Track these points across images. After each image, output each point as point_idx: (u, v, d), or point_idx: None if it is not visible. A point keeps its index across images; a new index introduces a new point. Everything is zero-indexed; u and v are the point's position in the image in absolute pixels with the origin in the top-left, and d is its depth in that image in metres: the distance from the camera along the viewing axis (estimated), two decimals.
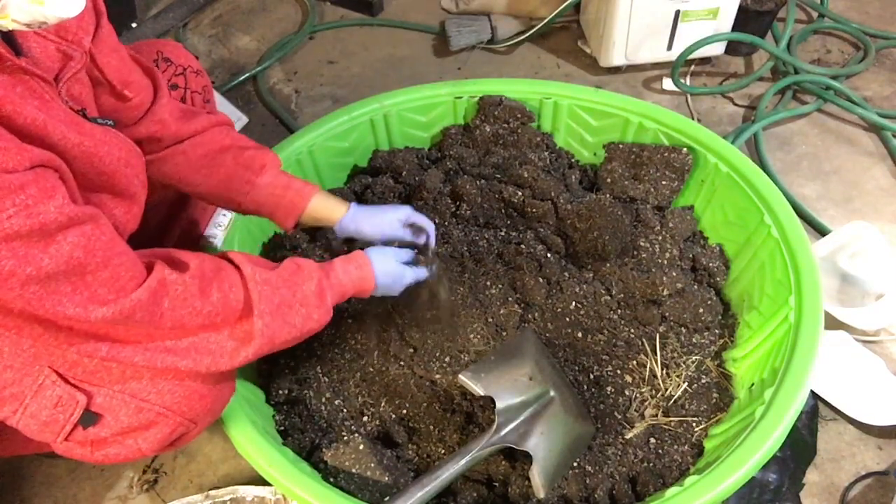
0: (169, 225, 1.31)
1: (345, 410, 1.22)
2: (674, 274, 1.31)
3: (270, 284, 0.92)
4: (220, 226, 1.30)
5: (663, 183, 1.46)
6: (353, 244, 1.37)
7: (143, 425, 0.93)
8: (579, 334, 1.30)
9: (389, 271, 1.09)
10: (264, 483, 1.10)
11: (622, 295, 1.33)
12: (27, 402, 0.90)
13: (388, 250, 1.12)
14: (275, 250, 1.43)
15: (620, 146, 1.50)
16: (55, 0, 0.67)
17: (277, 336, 0.92)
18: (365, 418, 1.21)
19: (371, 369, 1.24)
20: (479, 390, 1.11)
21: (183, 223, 1.31)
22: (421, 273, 1.15)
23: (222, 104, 1.89)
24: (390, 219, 1.17)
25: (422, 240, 1.19)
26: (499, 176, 1.49)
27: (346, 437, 1.18)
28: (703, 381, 1.26)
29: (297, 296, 0.95)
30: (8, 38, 0.76)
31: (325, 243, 1.42)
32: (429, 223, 1.19)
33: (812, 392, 1.30)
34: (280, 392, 1.23)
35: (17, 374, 0.90)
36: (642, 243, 1.38)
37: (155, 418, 0.93)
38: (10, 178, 0.68)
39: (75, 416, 0.91)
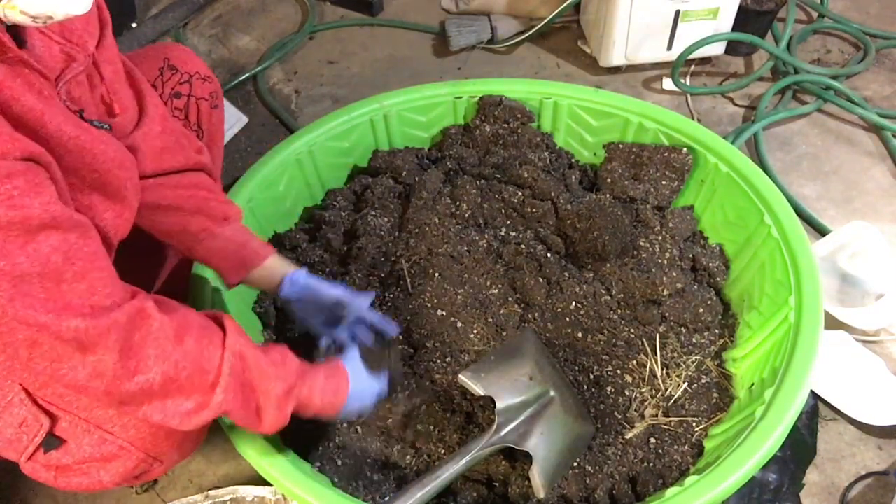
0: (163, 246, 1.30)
1: None
2: (674, 274, 1.31)
3: (245, 363, 0.86)
4: None
5: (663, 183, 1.46)
6: (354, 241, 1.37)
7: (105, 457, 0.91)
8: (579, 334, 1.30)
9: (362, 391, 1.03)
10: (264, 483, 1.10)
11: (622, 295, 1.33)
12: None
13: (374, 386, 1.06)
14: None
15: (620, 146, 1.50)
16: None
17: (232, 413, 0.86)
18: (365, 418, 1.21)
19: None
20: (479, 390, 1.11)
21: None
22: (384, 386, 1.09)
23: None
24: (336, 293, 1.13)
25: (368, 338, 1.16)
26: (499, 176, 1.49)
27: (346, 437, 1.18)
28: (703, 381, 1.26)
29: (263, 386, 0.88)
30: (13, 32, 0.76)
31: (325, 243, 1.42)
32: (371, 314, 1.14)
33: (812, 392, 1.30)
34: None
35: None
36: (642, 243, 1.38)
37: (117, 451, 0.91)
38: None
39: (38, 439, 0.89)
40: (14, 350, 0.72)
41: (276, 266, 1.11)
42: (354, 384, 1.00)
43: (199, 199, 1.07)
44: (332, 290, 1.13)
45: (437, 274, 1.31)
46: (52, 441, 0.90)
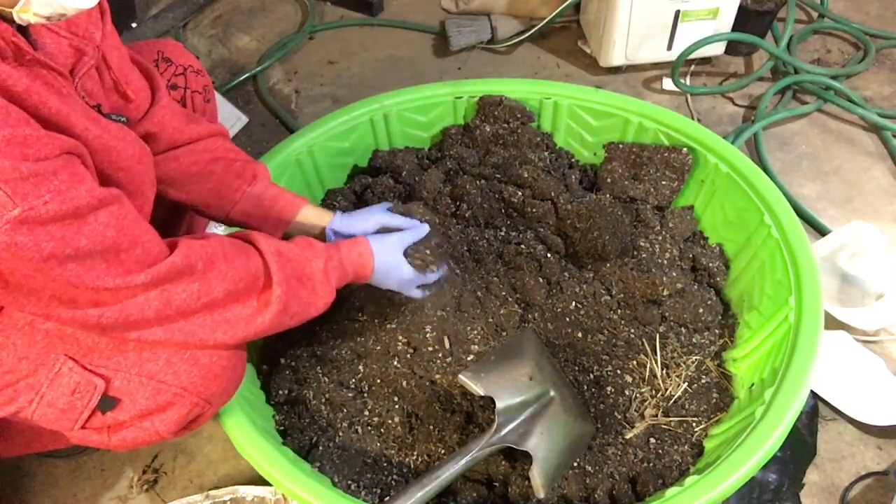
0: (169, 226, 1.31)
1: (345, 410, 1.22)
2: (674, 274, 1.31)
3: (283, 256, 0.96)
4: (221, 226, 1.30)
5: (663, 183, 1.46)
6: None
7: (161, 407, 0.94)
8: (579, 334, 1.30)
9: (387, 260, 1.10)
10: (264, 483, 1.10)
11: (622, 295, 1.33)
12: (43, 391, 0.91)
13: (389, 238, 1.12)
14: None
15: (620, 146, 1.50)
16: None
17: (290, 306, 0.95)
18: (365, 418, 1.21)
19: (371, 369, 1.24)
20: (479, 390, 1.11)
21: (183, 224, 1.31)
22: (429, 276, 1.16)
23: (222, 104, 1.89)
24: (373, 221, 1.18)
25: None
26: (499, 176, 1.49)
27: (346, 437, 1.18)
28: (703, 381, 1.26)
29: (307, 270, 0.98)
30: (22, 33, 0.77)
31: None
32: (404, 221, 1.18)
33: (812, 392, 1.30)
34: (280, 392, 1.23)
35: (32, 364, 0.91)
36: (642, 243, 1.38)
37: (172, 399, 0.93)
38: (43, 165, 0.71)
39: (93, 402, 0.91)
40: (72, 305, 0.79)
41: (311, 216, 1.19)
42: (378, 251, 1.08)
43: (227, 162, 1.14)
44: (366, 225, 1.18)
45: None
46: (107, 402, 0.92)
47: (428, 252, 1.16)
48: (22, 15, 0.69)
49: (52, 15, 0.71)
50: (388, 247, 1.11)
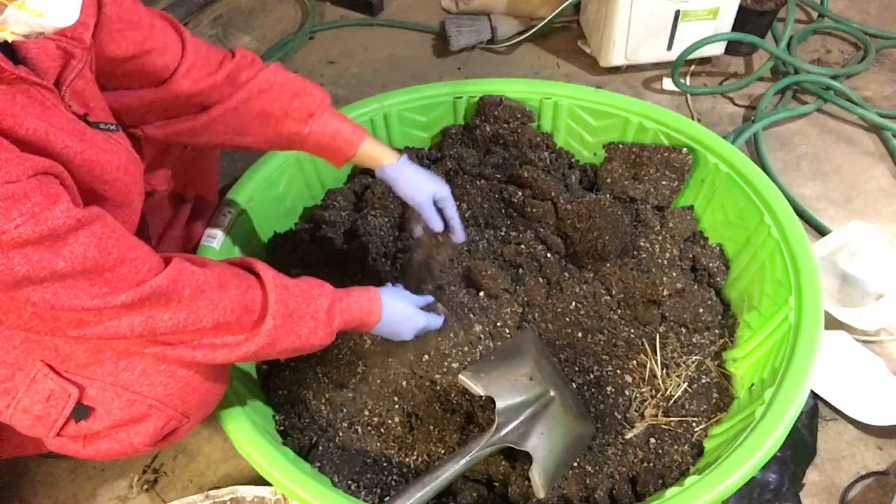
0: (169, 227, 1.31)
1: (345, 410, 1.22)
2: (674, 274, 1.31)
3: (288, 290, 0.94)
4: (220, 226, 1.30)
5: (663, 183, 1.46)
6: (355, 241, 1.37)
7: (135, 418, 0.93)
8: (579, 334, 1.30)
9: (399, 312, 1.09)
10: (264, 483, 1.10)
11: (622, 295, 1.33)
12: (19, 396, 0.90)
13: (403, 293, 1.13)
14: (275, 250, 1.43)
15: (620, 146, 1.50)
16: (53, 13, 0.68)
17: (280, 341, 0.92)
18: (365, 418, 1.21)
19: (371, 369, 1.24)
20: (479, 390, 1.11)
21: (183, 224, 1.31)
22: (435, 321, 1.17)
23: None
24: (425, 189, 1.20)
25: (438, 226, 1.23)
26: (499, 176, 1.49)
27: (346, 437, 1.18)
28: (703, 381, 1.26)
29: (310, 308, 0.95)
30: (6, 43, 0.76)
31: (325, 243, 1.42)
32: (454, 213, 1.22)
33: (812, 392, 1.30)
34: (280, 392, 1.23)
35: (10, 369, 0.90)
36: (642, 243, 1.38)
37: (147, 411, 0.92)
38: (13, 188, 0.68)
39: (67, 410, 0.90)
40: (53, 323, 0.77)
41: (372, 152, 1.19)
42: (390, 304, 1.07)
43: (283, 102, 1.12)
44: (406, 191, 1.20)
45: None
46: (81, 410, 0.91)
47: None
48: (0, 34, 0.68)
49: (30, 34, 0.69)
50: (399, 299, 1.10)
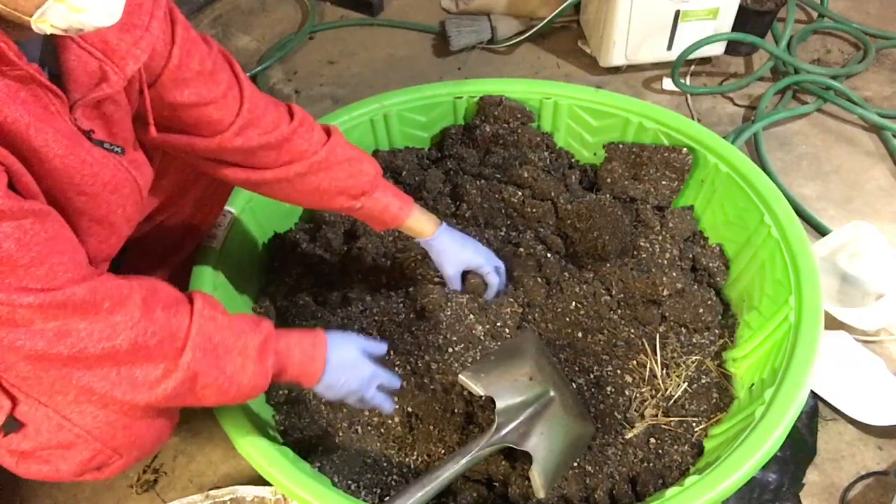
0: (183, 240, 1.30)
1: (345, 410, 1.22)
2: (674, 274, 1.31)
3: (216, 322, 0.87)
4: (221, 226, 1.30)
5: (663, 183, 1.46)
6: (355, 241, 1.37)
7: (63, 444, 0.90)
8: (579, 334, 1.30)
9: (346, 363, 1.00)
10: (264, 483, 1.10)
11: (622, 295, 1.33)
12: None
13: (354, 339, 1.05)
14: (274, 250, 1.43)
15: (620, 146, 1.50)
16: (93, 11, 0.68)
17: (203, 376, 0.85)
18: (365, 418, 1.21)
19: None
20: (479, 390, 1.11)
21: (197, 240, 1.30)
22: (394, 381, 1.10)
23: None
24: (455, 261, 1.25)
25: (484, 291, 1.29)
26: (499, 176, 1.49)
27: (346, 437, 1.18)
28: (703, 381, 1.26)
29: (239, 343, 0.88)
30: (52, 49, 0.77)
31: (325, 243, 1.42)
32: (493, 281, 1.27)
33: (812, 392, 1.30)
34: (280, 392, 1.23)
35: None
36: (642, 243, 1.38)
37: (74, 440, 0.89)
38: None
39: None
40: None
41: (414, 226, 1.21)
42: (336, 352, 0.99)
43: (339, 182, 1.13)
44: (445, 267, 1.26)
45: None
46: (11, 423, 0.89)
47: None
48: (39, 25, 0.68)
49: (69, 28, 0.69)
50: (349, 347, 1.03)
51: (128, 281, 0.83)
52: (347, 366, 1.01)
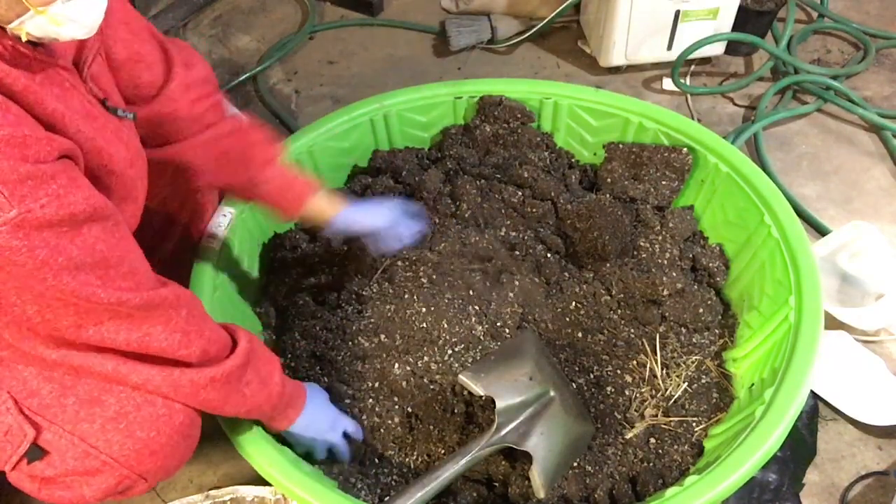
0: (169, 227, 1.30)
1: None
2: (674, 274, 1.31)
3: (253, 340, 0.98)
4: (221, 226, 1.30)
5: (663, 183, 1.46)
6: (354, 242, 1.37)
7: (89, 471, 0.91)
8: (579, 334, 1.30)
9: (319, 414, 1.10)
10: (264, 483, 1.10)
11: (622, 295, 1.33)
12: None
13: (327, 400, 1.13)
14: (274, 250, 1.43)
15: (620, 146, 1.50)
16: (71, 24, 0.70)
17: (248, 372, 0.96)
18: (365, 418, 1.21)
19: (371, 369, 1.24)
20: (479, 390, 1.11)
21: (183, 225, 1.31)
22: (358, 433, 1.15)
23: None
24: (380, 218, 1.23)
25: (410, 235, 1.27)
26: (499, 176, 1.49)
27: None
28: (703, 381, 1.26)
29: (268, 363, 1.00)
30: None
31: (325, 243, 1.42)
32: (406, 234, 1.26)
33: (812, 392, 1.30)
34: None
35: None
36: (642, 243, 1.38)
37: (101, 466, 0.90)
38: (42, 168, 0.70)
39: (22, 449, 0.89)
40: (55, 322, 0.78)
41: (318, 207, 1.19)
42: (312, 402, 1.09)
43: (240, 149, 1.14)
44: (365, 222, 1.23)
45: (437, 274, 1.31)
46: (35, 451, 0.89)
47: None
48: (15, 31, 0.69)
49: (44, 38, 0.71)
50: (323, 401, 1.12)
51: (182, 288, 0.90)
52: (320, 420, 1.10)
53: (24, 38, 0.69)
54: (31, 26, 0.68)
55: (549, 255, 1.38)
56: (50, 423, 0.89)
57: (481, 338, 1.24)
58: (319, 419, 1.09)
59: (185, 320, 0.86)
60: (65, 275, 0.73)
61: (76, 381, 0.89)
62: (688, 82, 1.99)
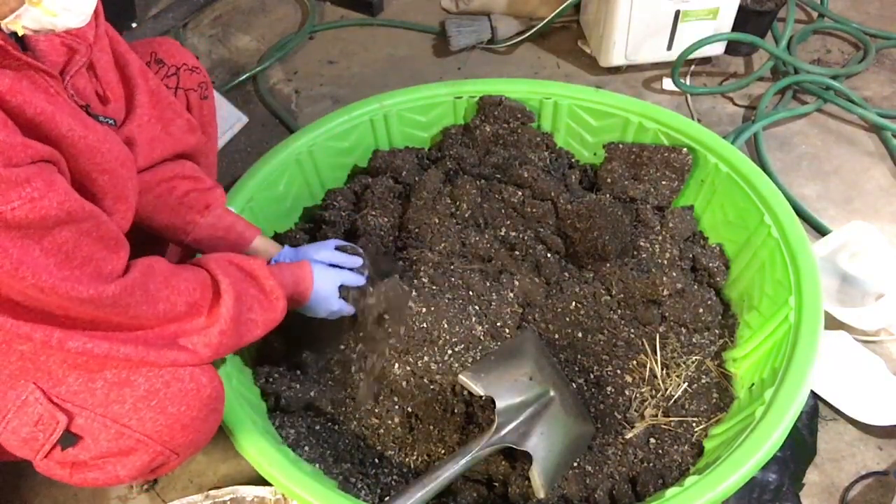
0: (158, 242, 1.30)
1: (345, 410, 1.22)
2: (674, 274, 1.31)
3: (230, 261, 1.00)
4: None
5: (663, 183, 1.46)
6: (355, 241, 1.37)
7: (123, 451, 0.92)
8: (579, 334, 1.30)
9: (325, 287, 1.12)
10: (264, 483, 1.10)
11: (622, 295, 1.33)
12: (9, 416, 0.90)
13: (330, 271, 1.14)
14: None
15: (620, 146, 1.51)
16: (66, 13, 0.70)
17: (242, 313, 0.96)
18: (365, 418, 1.21)
19: (371, 369, 1.24)
20: (479, 390, 1.11)
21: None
22: (346, 308, 1.17)
23: (222, 104, 1.89)
24: (319, 258, 1.19)
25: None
26: (499, 176, 1.49)
27: (346, 437, 1.18)
28: (703, 381, 1.26)
29: (249, 267, 1.01)
30: (12, 34, 0.77)
31: None
32: (350, 260, 1.21)
33: (812, 392, 1.30)
34: (280, 392, 1.23)
35: (3, 387, 0.89)
36: (642, 243, 1.38)
37: (135, 445, 0.91)
38: (16, 172, 0.70)
39: (55, 437, 0.90)
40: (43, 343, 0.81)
41: (260, 248, 1.19)
42: (319, 278, 1.11)
43: (180, 192, 1.12)
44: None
45: (437, 274, 1.31)
46: (68, 438, 0.90)
47: (357, 293, 1.19)
48: (10, 26, 0.69)
49: (41, 30, 0.72)
50: (328, 277, 1.13)
51: (156, 261, 0.92)
52: (328, 296, 1.13)
53: (20, 33, 0.70)
54: (27, 19, 0.69)
55: (549, 255, 1.38)
56: (81, 408, 0.90)
57: (481, 338, 1.24)
58: (325, 276, 1.12)
59: (161, 287, 0.89)
60: (42, 273, 0.74)
61: (103, 366, 0.90)
62: (688, 82, 1.99)
